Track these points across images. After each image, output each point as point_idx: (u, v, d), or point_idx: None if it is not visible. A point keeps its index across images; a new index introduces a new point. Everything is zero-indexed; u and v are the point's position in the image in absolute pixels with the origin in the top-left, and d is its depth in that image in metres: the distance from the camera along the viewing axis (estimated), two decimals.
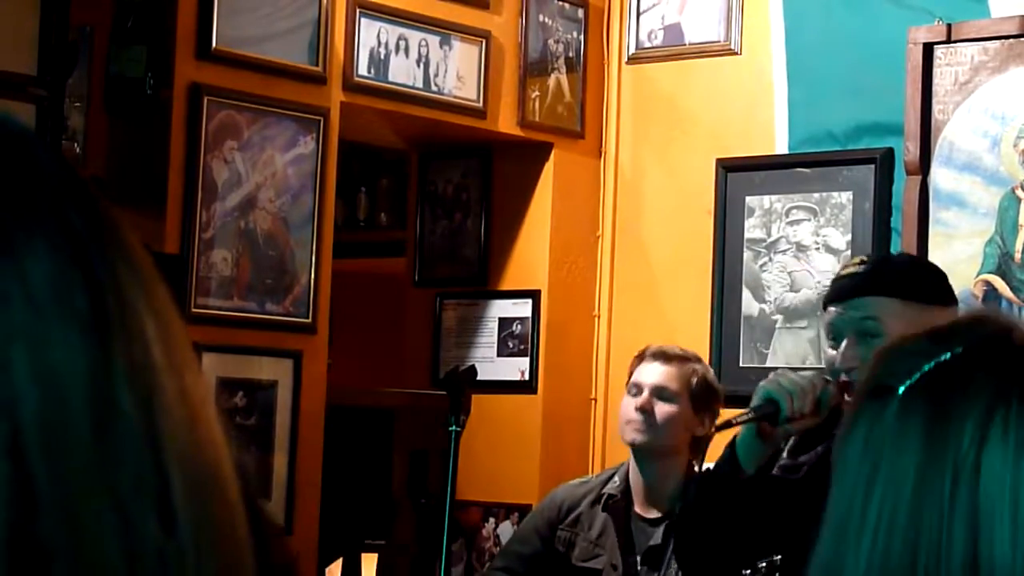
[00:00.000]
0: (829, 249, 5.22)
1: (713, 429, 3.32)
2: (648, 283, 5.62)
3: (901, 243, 5.03)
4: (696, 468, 4.15)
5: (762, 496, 3.22)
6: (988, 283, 4.91)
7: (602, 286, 5.70)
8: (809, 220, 5.27)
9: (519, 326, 5.61)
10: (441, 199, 5.81)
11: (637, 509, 4.24)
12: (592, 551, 4.22)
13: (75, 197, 0.67)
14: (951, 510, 1.03)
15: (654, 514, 4.20)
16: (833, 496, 1.09)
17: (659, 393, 4.20)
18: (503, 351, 5.59)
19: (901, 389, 1.07)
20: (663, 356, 4.28)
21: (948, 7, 5.03)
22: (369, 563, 5.42)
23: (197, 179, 4.71)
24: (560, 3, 5.66)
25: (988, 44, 4.94)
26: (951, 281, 4.88)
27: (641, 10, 5.71)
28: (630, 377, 4.31)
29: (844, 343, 3.17)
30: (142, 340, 0.67)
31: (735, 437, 3.26)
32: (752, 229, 5.37)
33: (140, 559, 0.64)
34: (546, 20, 5.61)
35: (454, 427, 4.11)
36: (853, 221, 5.17)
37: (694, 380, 4.23)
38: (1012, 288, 4.88)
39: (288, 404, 4.90)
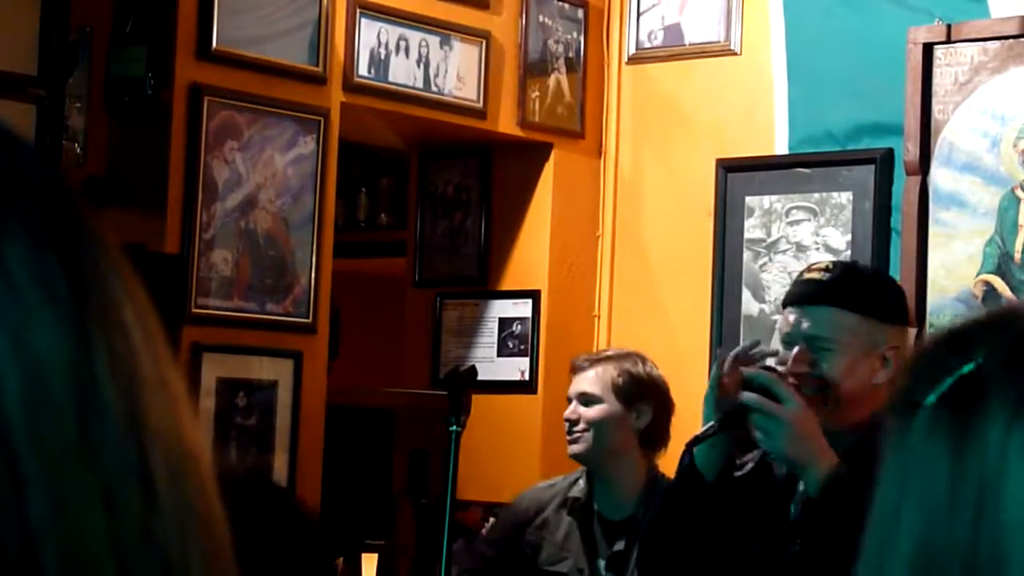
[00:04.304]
0: (829, 249, 5.21)
1: (685, 446, 3.29)
2: (648, 283, 5.61)
3: (901, 243, 5.03)
4: (654, 463, 4.20)
5: (725, 499, 3.22)
6: (988, 283, 4.91)
7: (602, 286, 5.70)
8: (809, 220, 5.27)
9: (519, 326, 5.61)
10: (441, 199, 5.80)
11: (601, 513, 4.22)
12: (558, 554, 4.20)
13: (50, 187, 0.67)
14: (975, 528, 1.01)
15: (617, 517, 4.19)
16: (872, 515, 1.08)
17: (583, 400, 4.20)
18: (503, 351, 5.59)
19: (927, 402, 1.07)
20: (586, 363, 4.28)
21: (948, 7, 5.03)
22: (369, 563, 5.42)
23: (197, 179, 4.71)
24: (560, 3, 5.66)
25: (988, 44, 4.94)
26: (950, 282, 4.93)
27: (641, 10, 5.71)
28: None
29: (796, 349, 3.18)
30: (122, 325, 0.67)
31: (692, 444, 3.23)
32: (752, 229, 5.37)
33: (126, 539, 0.64)
34: (546, 20, 5.61)
35: (454, 427, 4.11)
36: (853, 221, 5.17)
37: (616, 378, 4.19)
38: (1012, 288, 4.87)
39: (288, 404, 4.90)
